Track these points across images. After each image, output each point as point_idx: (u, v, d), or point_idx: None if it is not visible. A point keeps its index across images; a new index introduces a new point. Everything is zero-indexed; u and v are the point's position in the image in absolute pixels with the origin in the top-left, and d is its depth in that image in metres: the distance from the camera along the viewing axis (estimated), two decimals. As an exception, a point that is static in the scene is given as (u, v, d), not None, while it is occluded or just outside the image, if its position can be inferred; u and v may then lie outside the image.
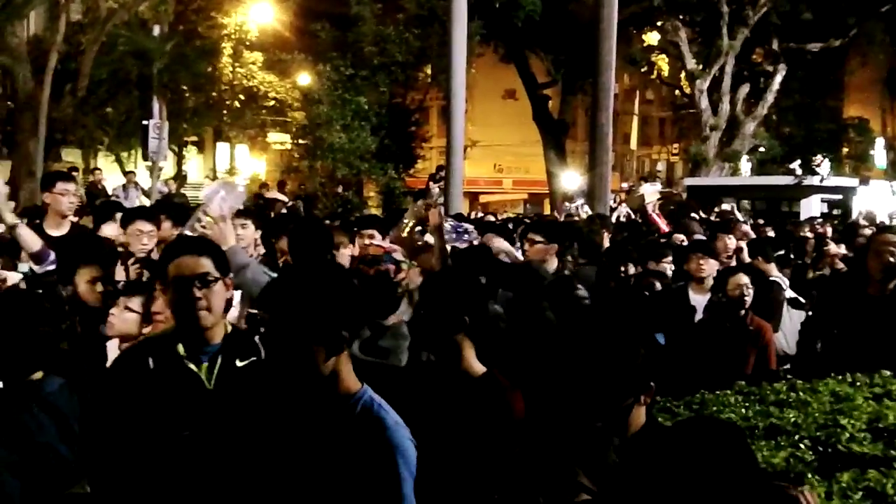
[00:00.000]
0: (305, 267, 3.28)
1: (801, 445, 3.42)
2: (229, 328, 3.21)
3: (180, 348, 3.08)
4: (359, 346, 4.12)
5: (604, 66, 18.93)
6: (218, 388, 3.05)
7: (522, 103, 29.94)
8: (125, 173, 21.67)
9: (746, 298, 5.82)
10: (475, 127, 28.28)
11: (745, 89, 25.52)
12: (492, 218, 14.39)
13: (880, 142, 29.34)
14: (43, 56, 19.00)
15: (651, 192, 14.04)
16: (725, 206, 15.72)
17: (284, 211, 16.11)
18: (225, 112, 24.18)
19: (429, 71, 24.27)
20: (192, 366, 3.07)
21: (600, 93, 19.06)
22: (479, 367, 3.42)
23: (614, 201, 15.76)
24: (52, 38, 19.12)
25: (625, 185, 32.21)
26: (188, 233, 4.39)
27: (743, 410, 3.92)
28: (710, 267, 6.55)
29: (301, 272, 2.87)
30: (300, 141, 23.67)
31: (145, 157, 21.21)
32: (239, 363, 3.10)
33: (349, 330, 2.58)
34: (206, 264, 3.13)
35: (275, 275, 4.23)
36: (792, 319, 6.96)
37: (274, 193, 17.11)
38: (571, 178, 24.53)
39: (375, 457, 2.46)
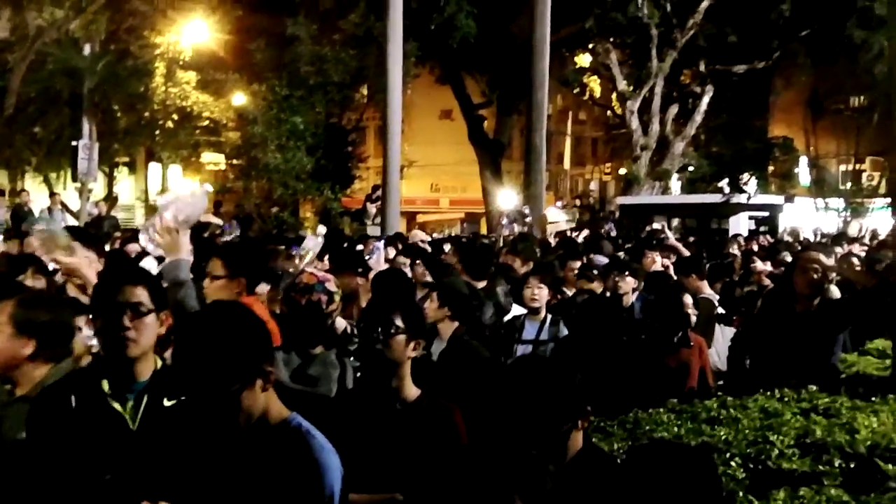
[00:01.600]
0: (212, 308, 3.15)
1: (732, 463, 3.50)
2: (160, 364, 3.06)
3: (105, 385, 2.95)
4: (288, 374, 4.12)
5: (537, 86, 19.23)
6: (142, 429, 2.92)
7: (459, 123, 30.08)
8: (51, 195, 21.17)
9: (692, 317, 6.00)
10: (412, 147, 28.36)
11: (674, 110, 26.05)
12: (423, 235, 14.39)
13: (804, 160, 30.17)
14: (-31, 74, 18.60)
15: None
16: (656, 225, 16.03)
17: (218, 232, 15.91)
18: (158, 132, 23.81)
19: (365, 91, 24.31)
20: (115, 404, 2.93)
21: (534, 113, 19.35)
22: (415, 391, 3.46)
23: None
24: (-22, 56, 18.74)
25: (559, 203, 32.60)
26: (141, 239, 4.31)
27: (675, 429, 3.99)
28: (626, 285, 6.71)
29: (209, 314, 2.81)
30: (235, 161, 23.46)
31: (74, 178, 20.81)
32: (167, 402, 2.94)
33: (270, 362, 2.59)
34: (141, 294, 3.00)
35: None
36: (724, 335, 7.14)
37: (208, 216, 16.87)
38: (507, 197, 24.72)
39: (301, 477, 2.49)
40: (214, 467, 2.56)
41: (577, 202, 26.59)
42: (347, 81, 22.72)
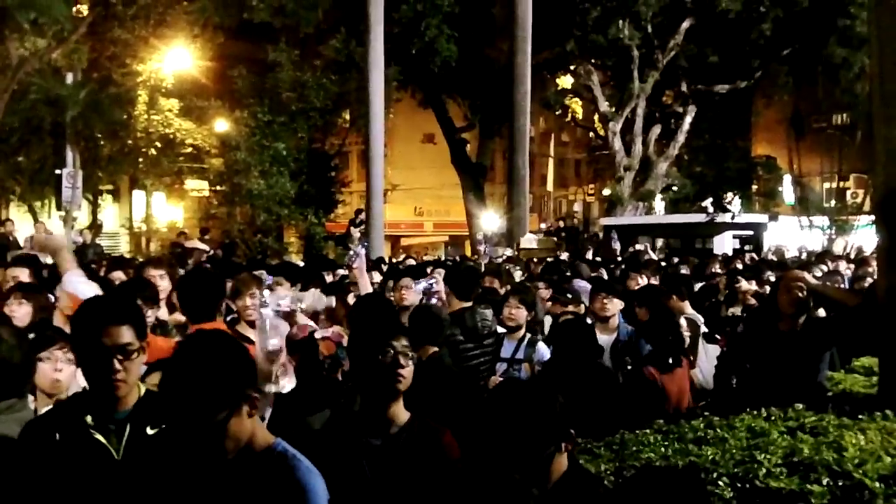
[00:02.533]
0: (196, 337, 3.10)
1: (720, 483, 3.47)
2: (143, 390, 3.03)
3: (88, 417, 2.91)
4: None
5: (519, 110, 19.32)
6: (126, 459, 2.88)
7: (441, 147, 30.15)
8: (35, 223, 21.10)
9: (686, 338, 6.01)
10: (395, 171, 28.45)
11: (656, 130, 26.18)
12: (412, 261, 14.40)
13: (788, 179, 30.34)
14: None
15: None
16: (639, 246, 16.06)
17: (204, 259, 15.86)
18: (141, 160, 23.79)
19: (347, 116, 24.35)
20: (99, 436, 2.90)
21: (516, 136, 19.44)
22: (406, 414, 3.45)
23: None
24: (-40, 86, 18.69)
25: (543, 225, 32.66)
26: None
27: (662, 449, 3.96)
28: (613, 306, 6.67)
29: (194, 343, 2.78)
30: (218, 188, 23.42)
31: (59, 207, 20.74)
32: (150, 430, 2.92)
33: (254, 388, 2.59)
34: (127, 334, 2.95)
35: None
36: (708, 354, 7.12)
37: (194, 242, 16.84)
38: (490, 220, 24.73)
39: (286, 498, 2.51)
40: (200, 495, 2.55)
41: (561, 223, 26.59)
42: (329, 107, 22.77)
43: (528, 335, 6.36)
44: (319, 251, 19.63)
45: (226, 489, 2.54)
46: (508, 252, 14.64)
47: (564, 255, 13.54)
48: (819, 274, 9.02)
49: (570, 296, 7.27)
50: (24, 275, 6.03)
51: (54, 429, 2.92)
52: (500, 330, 6.44)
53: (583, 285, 8.35)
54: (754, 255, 15.86)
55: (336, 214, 24.06)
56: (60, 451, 2.88)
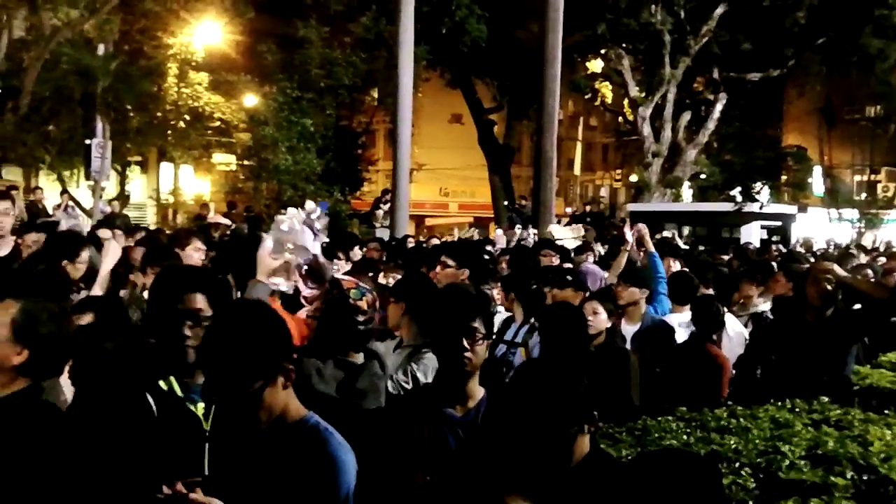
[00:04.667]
0: (235, 307, 3.09)
1: (742, 472, 3.46)
2: None
3: (176, 388, 2.92)
4: (334, 386, 4.11)
5: (548, 92, 19.17)
6: (214, 430, 2.91)
7: (468, 127, 30.08)
8: (62, 193, 21.27)
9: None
10: (421, 150, 28.37)
11: (686, 117, 25.97)
12: (436, 241, 14.39)
13: (818, 170, 30.05)
14: (-19, 72, 18.68)
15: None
16: (666, 233, 15.94)
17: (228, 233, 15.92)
18: (169, 132, 23.90)
19: (375, 94, 24.32)
20: (191, 406, 2.92)
21: (545, 118, 19.30)
22: (481, 391, 3.54)
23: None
24: (-7, 55, 18.83)
25: (569, 209, 32.54)
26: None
27: (684, 437, 3.95)
28: (629, 295, 6.58)
29: (232, 312, 2.78)
30: (245, 162, 23.49)
31: (87, 177, 20.88)
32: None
33: (290, 360, 2.62)
34: (200, 301, 2.98)
35: None
36: (731, 343, 7.06)
37: (216, 217, 16.90)
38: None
39: (318, 474, 2.53)
40: (235, 463, 2.60)
41: (587, 208, 26.47)
42: (358, 84, 22.76)
43: (532, 320, 6.31)
44: (344, 228, 19.62)
45: (258, 459, 2.57)
46: (531, 233, 14.53)
47: (599, 248, 13.36)
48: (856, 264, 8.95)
49: (569, 278, 7.03)
50: (42, 239, 6.18)
51: (146, 396, 2.93)
52: (501, 311, 6.41)
53: (592, 269, 8.26)
54: (781, 246, 15.72)
55: (361, 192, 24.10)
56: (156, 418, 2.90)
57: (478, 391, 3.51)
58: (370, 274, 6.82)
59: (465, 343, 3.43)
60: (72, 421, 3.06)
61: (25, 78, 19.74)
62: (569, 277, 6.91)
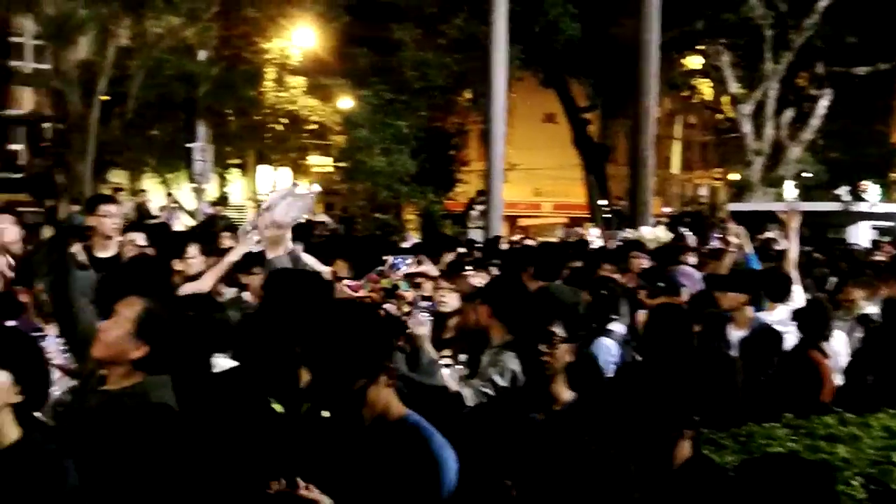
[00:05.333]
0: (339, 305, 3.20)
1: (853, 482, 3.31)
2: None
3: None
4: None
5: (645, 90, 18.87)
6: (311, 429, 2.93)
7: (562, 127, 29.81)
8: (167, 195, 22.00)
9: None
10: (514, 150, 28.19)
11: (789, 113, 25.21)
12: (530, 242, 14.27)
13: (930, 167, 28.83)
14: (92, 80, 19.39)
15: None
16: (770, 234, 15.43)
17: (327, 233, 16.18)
18: (268, 136, 24.42)
19: (468, 95, 24.34)
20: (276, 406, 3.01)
21: (641, 117, 18.99)
22: (569, 394, 3.54)
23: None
24: (101, 63, 19.51)
25: (666, 209, 31.97)
26: (245, 235, 4.32)
27: (791, 444, 3.81)
28: (727, 301, 6.30)
29: (336, 311, 2.85)
30: (340, 164, 23.81)
31: (190, 179, 21.50)
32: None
33: (388, 359, 2.67)
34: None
35: None
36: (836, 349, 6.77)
37: (320, 215, 17.23)
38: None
39: (420, 473, 2.56)
40: (338, 460, 2.63)
41: (686, 208, 25.94)
42: (451, 86, 22.81)
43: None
44: (437, 229, 19.71)
45: (361, 456, 2.61)
46: (629, 234, 14.28)
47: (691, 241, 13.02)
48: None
49: (661, 284, 6.74)
50: (140, 239, 6.39)
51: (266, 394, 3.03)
52: None
53: (689, 271, 7.98)
54: (894, 248, 15.05)
55: (455, 193, 24.16)
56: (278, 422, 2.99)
57: (565, 394, 3.47)
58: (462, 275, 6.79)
59: (543, 347, 3.42)
60: (182, 417, 3.17)
61: (131, 84, 20.44)
62: (660, 284, 6.68)
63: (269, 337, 2.82)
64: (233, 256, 5.45)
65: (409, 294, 4.43)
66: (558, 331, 3.48)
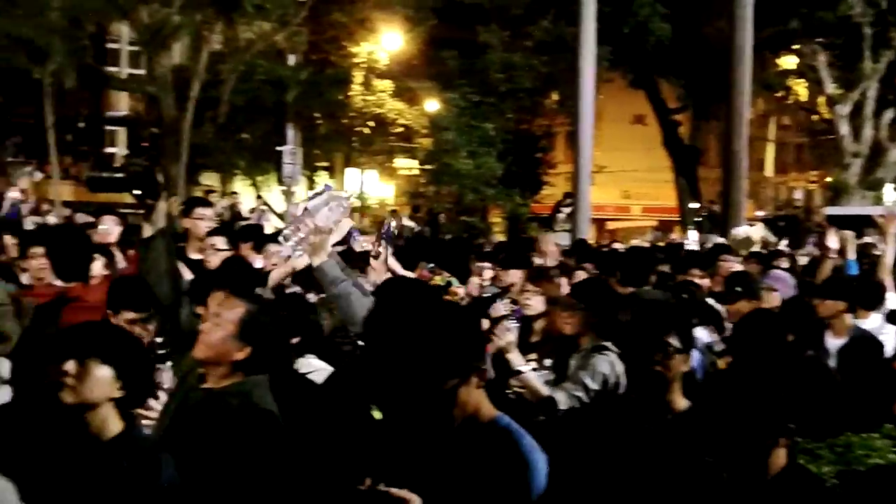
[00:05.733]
0: (432, 305, 3.21)
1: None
2: None
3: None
4: None
5: (737, 91, 18.45)
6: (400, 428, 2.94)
7: (651, 128, 29.39)
8: (257, 197, 22.42)
9: None
10: (602, 152, 27.92)
11: (889, 114, 24.35)
12: (619, 246, 14.09)
13: None
14: (186, 84, 19.88)
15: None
16: (868, 239, 14.86)
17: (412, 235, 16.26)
18: (355, 139, 24.68)
19: (555, 97, 24.18)
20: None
21: (734, 118, 18.57)
22: (685, 402, 3.51)
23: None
24: (194, 68, 19.99)
25: (760, 213, 31.21)
26: (286, 240, 4.38)
27: (891, 455, 3.63)
28: (825, 309, 6.06)
29: (429, 310, 2.85)
30: (427, 166, 23.91)
31: (280, 181, 21.86)
32: None
33: (480, 360, 2.69)
34: None
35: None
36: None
37: (404, 219, 17.35)
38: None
39: (510, 475, 2.55)
40: (427, 460, 2.62)
41: (780, 212, 25.26)
42: (538, 87, 22.69)
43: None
44: (524, 232, 19.63)
45: (451, 456, 2.60)
46: (719, 240, 13.94)
47: (783, 245, 12.63)
48: None
49: (738, 289, 6.42)
50: (220, 242, 6.44)
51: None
52: None
53: (782, 276, 7.75)
54: None
55: (541, 195, 24.03)
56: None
57: (681, 402, 3.43)
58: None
59: (657, 358, 3.37)
60: (280, 417, 3.21)
61: (223, 89, 20.87)
62: (738, 288, 6.40)
63: (376, 342, 2.82)
64: (300, 263, 5.43)
65: (461, 291, 4.50)
66: (674, 342, 3.42)
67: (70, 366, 2.84)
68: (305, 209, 4.42)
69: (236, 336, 3.29)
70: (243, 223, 15.14)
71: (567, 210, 19.28)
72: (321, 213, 4.31)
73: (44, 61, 18.99)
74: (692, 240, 14.17)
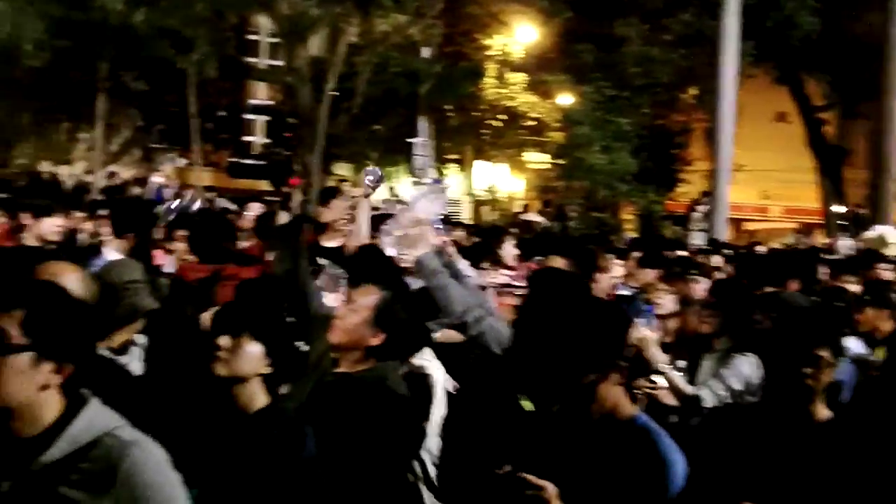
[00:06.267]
0: (576, 298, 3.19)
1: None
2: None
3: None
4: None
5: (889, 88, 17.70)
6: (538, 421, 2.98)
7: (794, 127, 28.38)
8: (389, 189, 22.63)
9: None
10: (741, 151, 27.05)
11: None
12: (761, 248, 13.57)
13: None
14: (322, 76, 20.26)
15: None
16: None
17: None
18: (486, 132, 24.65)
19: (694, 92, 23.57)
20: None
21: (885, 117, 17.79)
22: (827, 412, 3.36)
23: None
24: (331, 59, 20.35)
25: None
26: (389, 233, 4.39)
27: None
28: None
29: (571, 303, 2.83)
30: (558, 161, 23.71)
31: (411, 173, 22.07)
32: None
33: (620, 357, 2.65)
34: None
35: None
36: None
37: (531, 215, 17.23)
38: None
39: (648, 474, 2.54)
40: (564, 455, 2.62)
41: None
42: (676, 82, 22.17)
43: None
44: (657, 230, 19.22)
45: (587, 451, 2.61)
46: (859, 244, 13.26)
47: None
48: None
49: (867, 297, 6.23)
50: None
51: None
52: None
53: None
54: None
55: (676, 193, 23.52)
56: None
57: (823, 412, 3.27)
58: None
59: (807, 371, 3.20)
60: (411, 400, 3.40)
61: (358, 80, 21.17)
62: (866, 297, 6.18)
63: (528, 334, 2.73)
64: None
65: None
66: (826, 355, 3.24)
67: (224, 340, 3.00)
68: (405, 202, 4.51)
69: (371, 322, 3.42)
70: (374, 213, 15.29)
71: (703, 209, 18.77)
72: (420, 204, 4.36)
73: (188, 51, 19.72)
74: (846, 245, 13.48)
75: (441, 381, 4.25)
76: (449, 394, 4.27)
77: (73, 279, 3.07)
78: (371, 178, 6.48)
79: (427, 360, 4.30)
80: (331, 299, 4.65)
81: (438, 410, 4.11)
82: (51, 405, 2.13)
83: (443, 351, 4.47)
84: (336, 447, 3.09)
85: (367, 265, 5.00)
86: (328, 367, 3.56)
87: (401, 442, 3.34)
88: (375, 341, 3.42)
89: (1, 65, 18.28)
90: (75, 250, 6.43)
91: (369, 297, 3.47)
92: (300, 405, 3.44)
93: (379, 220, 8.66)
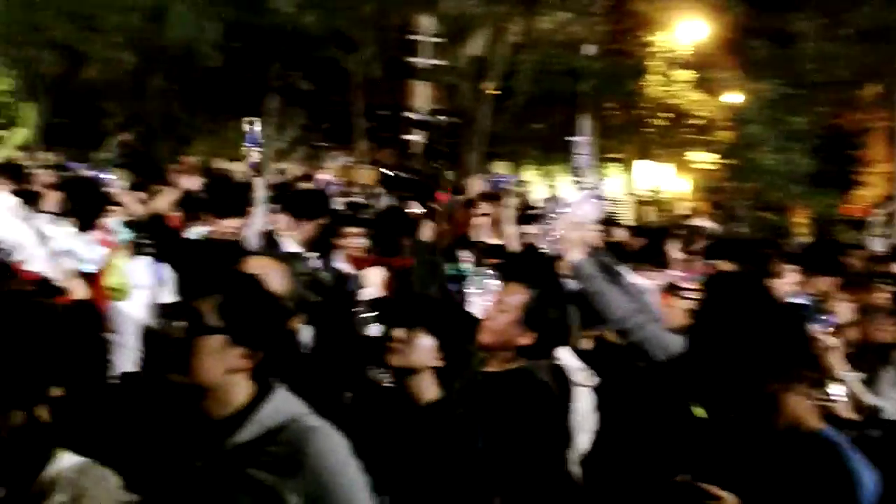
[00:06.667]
0: (751, 302, 2.96)
1: None
2: None
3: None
4: None
5: None
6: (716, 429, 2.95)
7: None
8: (549, 187, 22.48)
9: None
10: (927, 152, 25.50)
11: None
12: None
13: None
14: (483, 75, 20.35)
15: None
16: None
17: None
18: (652, 130, 24.14)
19: (876, 90, 22.33)
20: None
21: None
22: None
23: None
24: (493, 58, 20.40)
25: None
26: (547, 234, 4.40)
27: None
28: None
29: (746, 307, 2.72)
30: (726, 161, 23.00)
31: (571, 172, 21.88)
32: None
33: (806, 367, 2.60)
34: None
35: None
36: None
37: (697, 219, 16.67)
38: None
39: (833, 485, 2.44)
40: (746, 464, 2.55)
41: None
42: (856, 79, 21.05)
43: None
44: (832, 235, 18.27)
45: (770, 463, 2.54)
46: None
47: None
48: None
49: None
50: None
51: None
52: None
53: None
54: None
55: (854, 196, 22.35)
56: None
57: None
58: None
59: None
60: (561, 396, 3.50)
61: (519, 79, 21.12)
62: None
63: (706, 340, 2.66)
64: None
65: None
66: None
67: (399, 332, 3.08)
68: (565, 202, 4.48)
69: (521, 322, 3.47)
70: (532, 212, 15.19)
71: (884, 213, 17.73)
72: (580, 208, 4.36)
73: (354, 52, 20.17)
74: None
75: (580, 375, 4.16)
76: (598, 391, 4.17)
77: (274, 275, 3.19)
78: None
79: (564, 353, 4.23)
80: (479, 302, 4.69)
81: (583, 404, 4.03)
82: (241, 389, 2.26)
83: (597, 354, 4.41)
84: (496, 442, 3.12)
85: (516, 264, 5.07)
86: (476, 367, 3.58)
87: (557, 435, 3.38)
88: (525, 341, 3.46)
89: (180, 66, 19.21)
90: (278, 249, 6.71)
91: (518, 297, 3.52)
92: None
93: (534, 219, 8.63)
